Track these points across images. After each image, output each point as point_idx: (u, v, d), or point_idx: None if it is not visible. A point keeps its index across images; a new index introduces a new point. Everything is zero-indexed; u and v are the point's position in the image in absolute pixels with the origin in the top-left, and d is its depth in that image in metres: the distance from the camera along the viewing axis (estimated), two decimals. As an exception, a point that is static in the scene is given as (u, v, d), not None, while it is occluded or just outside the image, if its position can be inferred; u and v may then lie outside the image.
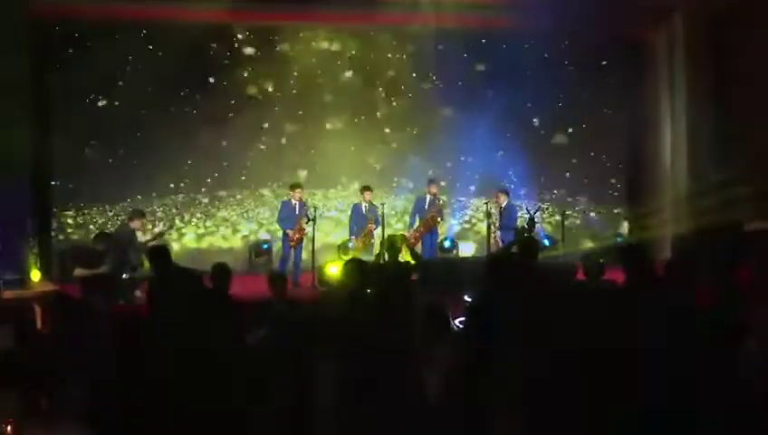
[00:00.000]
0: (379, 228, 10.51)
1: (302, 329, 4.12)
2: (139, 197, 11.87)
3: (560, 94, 12.50)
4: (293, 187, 10.43)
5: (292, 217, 10.22)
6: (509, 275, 4.65)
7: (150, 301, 5.72)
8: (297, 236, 10.12)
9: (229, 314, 5.16)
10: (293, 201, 10.28)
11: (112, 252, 8.59)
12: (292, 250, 10.17)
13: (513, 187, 11.39)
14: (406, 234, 10.46)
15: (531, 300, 4.44)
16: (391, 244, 7.47)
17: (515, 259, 6.28)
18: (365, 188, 10.58)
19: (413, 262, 7.76)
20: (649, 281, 4.83)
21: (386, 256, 7.54)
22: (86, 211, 11.82)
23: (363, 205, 10.48)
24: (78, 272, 8.24)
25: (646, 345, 3.10)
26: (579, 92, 12.53)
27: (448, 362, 4.08)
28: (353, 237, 10.48)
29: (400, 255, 7.65)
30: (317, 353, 3.79)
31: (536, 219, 6.75)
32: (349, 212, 10.94)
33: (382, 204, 10.59)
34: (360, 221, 10.42)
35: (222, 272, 5.82)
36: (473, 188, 12.81)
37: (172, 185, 12.14)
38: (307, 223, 10.22)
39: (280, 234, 10.66)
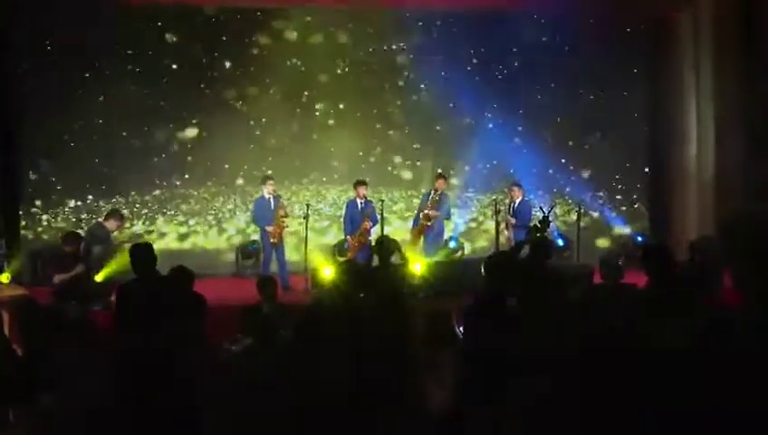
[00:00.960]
0: (377, 227, 10.53)
1: (293, 335, 4.11)
2: (118, 196, 11.89)
3: (577, 81, 12.53)
4: (265, 180, 10.36)
5: (267, 214, 10.18)
6: (517, 276, 4.65)
7: (117, 307, 5.66)
8: (278, 231, 10.08)
9: (189, 321, 5.10)
10: (267, 195, 10.23)
11: (86, 254, 8.57)
12: (274, 250, 10.10)
13: (523, 181, 11.35)
14: (407, 236, 10.45)
15: (541, 305, 4.43)
16: (381, 245, 7.51)
17: (526, 260, 6.28)
18: (359, 183, 10.51)
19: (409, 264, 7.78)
20: (674, 283, 4.83)
21: (377, 259, 7.57)
22: (58, 209, 11.82)
23: (358, 201, 10.43)
24: (57, 278, 8.22)
25: (673, 354, 3.11)
26: (598, 81, 12.57)
27: (454, 373, 4.10)
28: (348, 237, 10.46)
29: (393, 256, 7.66)
30: (309, 363, 3.79)
31: (551, 218, 6.72)
32: (343, 209, 10.93)
33: (381, 201, 10.56)
34: (356, 219, 10.36)
35: (181, 275, 5.80)
36: (479, 182, 12.82)
37: (157, 181, 12.18)
38: (285, 216, 10.23)
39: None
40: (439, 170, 11.64)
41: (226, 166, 12.28)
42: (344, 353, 3.79)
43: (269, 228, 10.08)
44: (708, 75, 11.62)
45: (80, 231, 9.68)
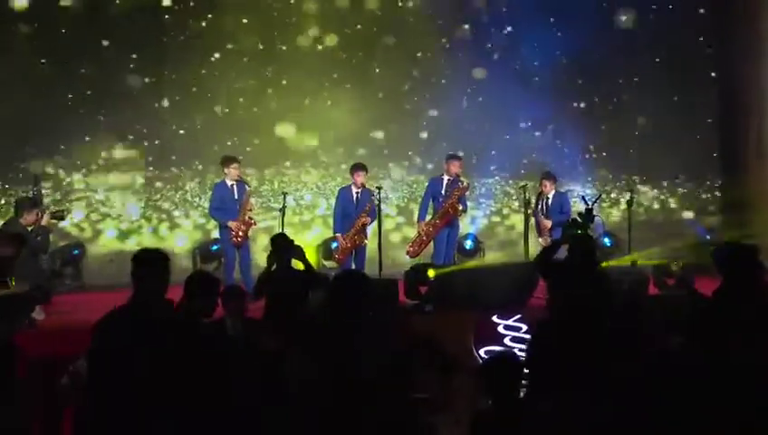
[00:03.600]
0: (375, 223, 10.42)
1: (258, 362, 4.10)
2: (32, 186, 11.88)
3: (623, 51, 12.68)
4: (227, 161, 10.23)
5: (230, 204, 10.13)
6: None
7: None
8: (242, 228, 10.06)
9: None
10: (229, 181, 10.18)
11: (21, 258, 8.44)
12: (237, 251, 10.08)
13: (557, 168, 11.39)
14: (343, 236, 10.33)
15: (584, 320, 4.44)
16: (276, 244, 7.44)
17: (564, 263, 6.26)
18: (357, 168, 10.44)
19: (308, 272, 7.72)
20: (758, 293, 4.83)
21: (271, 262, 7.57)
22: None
23: (354, 190, 10.38)
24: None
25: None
26: (653, 49, 12.72)
27: (466, 404, 4.03)
28: (339, 235, 10.39)
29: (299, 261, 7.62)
30: (280, 397, 3.78)
31: (595, 211, 6.69)
32: (334, 199, 10.80)
33: (378, 188, 10.42)
34: (350, 212, 10.30)
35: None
36: (504, 170, 12.92)
37: (91, 164, 12.23)
38: (251, 210, 10.20)
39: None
40: (461, 154, 11.60)
41: (180, 145, 12.35)
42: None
43: (231, 224, 10.00)
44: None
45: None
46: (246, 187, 10.21)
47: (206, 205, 11.37)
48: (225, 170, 10.16)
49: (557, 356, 4.51)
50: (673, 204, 13.37)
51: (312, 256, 11.05)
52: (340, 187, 10.75)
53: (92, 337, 4.57)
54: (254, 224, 10.23)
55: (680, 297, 5.92)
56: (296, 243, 7.85)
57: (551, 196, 10.66)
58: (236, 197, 10.10)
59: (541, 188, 10.74)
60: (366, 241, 10.23)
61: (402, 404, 3.98)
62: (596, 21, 12.49)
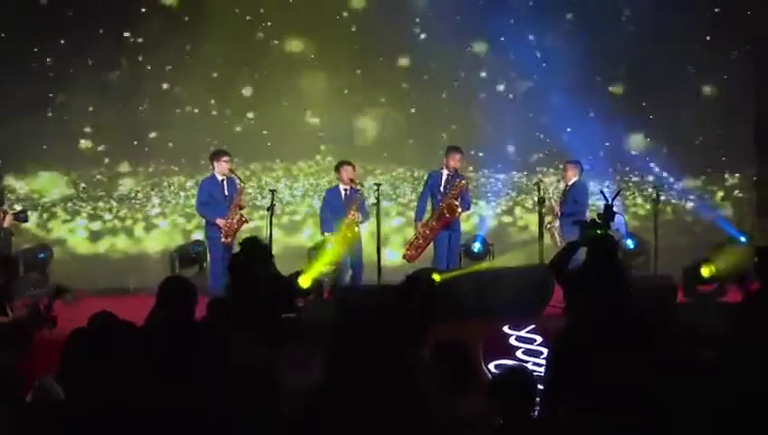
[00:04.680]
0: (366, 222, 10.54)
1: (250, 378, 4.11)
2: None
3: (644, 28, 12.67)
4: (217, 155, 10.32)
5: (220, 200, 10.18)
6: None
7: None
8: (233, 227, 10.08)
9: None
10: (219, 176, 10.24)
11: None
12: (226, 252, 10.03)
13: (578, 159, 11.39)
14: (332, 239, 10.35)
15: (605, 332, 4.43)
16: (250, 247, 7.35)
17: (583, 267, 6.26)
18: (343, 164, 10.54)
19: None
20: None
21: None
22: None
23: (342, 188, 10.42)
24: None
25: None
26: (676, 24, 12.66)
27: (480, 418, 4.05)
28: (326, 233, 10.43)
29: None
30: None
31: (615, 207, 6.64)
32: (321, 198, 10.87)
33: (377, 184, 10.53)
34: (339, 212, 10.36)
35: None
36: (516, 160, 12.92)
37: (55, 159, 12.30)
38: (241, 208, 10.22)
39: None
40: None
41: (153, 135, 12.44)
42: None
43: (221, 222, 10.03)
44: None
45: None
46: (238, 182, 10.24)
47: (184, 202, 11.43)
48: (215, 164, 10.22)
49: (577, 372, 4.50)
50: (705, 202, 13.36)
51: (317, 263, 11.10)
52: (328, 187, 10.85)
53: (65, 360, 4.62)
54: (247, 222, 10.24)
55: (713, 306, 5.90)
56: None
57: (570, 184, 10.73)
58: (227, 193, 10.17)
59: (563, 175, 10.85)
60: (357, 229, 10.31)
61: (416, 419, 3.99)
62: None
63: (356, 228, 10.31)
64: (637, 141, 13.09)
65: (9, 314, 7.61)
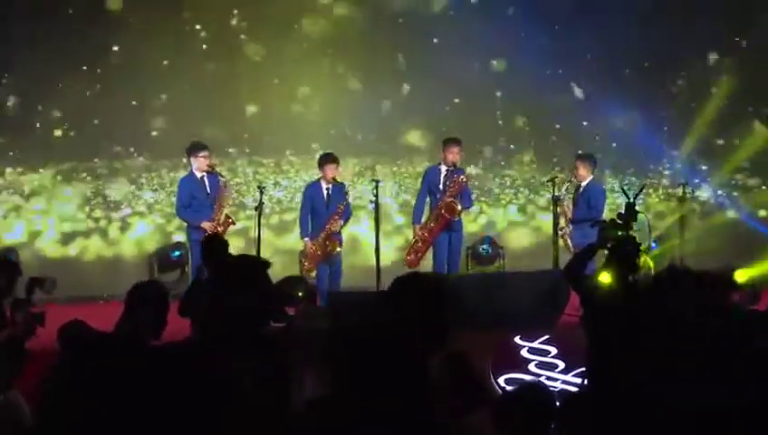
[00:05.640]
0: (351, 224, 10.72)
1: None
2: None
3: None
4: (194, 149, 10.20)
5: (202, 201, 10.15)
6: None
7: None
8: (221, 229, 10.01)
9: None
10: (198, 173, 10.20)
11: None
12: None
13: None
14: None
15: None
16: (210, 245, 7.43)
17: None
18: (327, 159, 10.49)
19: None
20: None
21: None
22: None
23: (324, 186, 10.45)
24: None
25: None
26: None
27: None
28: (307, 239, 10.41)
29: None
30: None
31: (638, 205, 6.61)
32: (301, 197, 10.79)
33: (375, 181, 10.55)
34: (321, 212, 10.38)
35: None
36: (527, 156, 12.98)
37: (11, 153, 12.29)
38: (229, 205, 10.24)
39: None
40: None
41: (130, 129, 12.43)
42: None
43: (206, 225, 10.03)
44: None
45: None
46: (220, 178, 10.22)
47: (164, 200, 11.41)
48: (192, 160, 10.15)
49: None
50: (736, 201, 13.39)
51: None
52: (309, 184, 10.79)
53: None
54: (234, 223, 10.23)
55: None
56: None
57: (584, 184, 10.52)
58: (209, 191, 10.13)
59: (574, 172, 10.67)
60: (339, 249, 10.27)
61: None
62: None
63: (338, 246, 10.29)
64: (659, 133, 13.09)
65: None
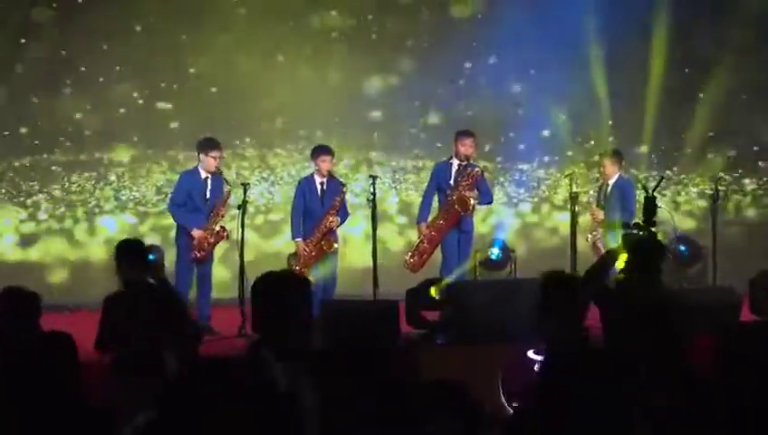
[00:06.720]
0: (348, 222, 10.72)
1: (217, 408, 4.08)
2: None
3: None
4: (206, 146, 10.23)
5: (200, 203, 10.19)
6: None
7: None
8: (212, 241, 10.09)
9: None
10: (203, 173, 10.24)
11: None
12: (196, 268, 10.14)
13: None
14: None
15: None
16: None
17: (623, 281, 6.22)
18: (321, 151, 10.52)
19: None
20: None
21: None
22: None
23: (318, 180, 10.47)
24: None
25: None
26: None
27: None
28: (300, 240, 10.41)
29: None
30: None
31: (658, 200, 6.61)
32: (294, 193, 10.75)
33: (373, 177, 10.47)
34: (315, 211, 10.40)
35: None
36: (544, 153, 13.08)
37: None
38: (223, 216, 10.18)
39: (173, 233, 10.59)
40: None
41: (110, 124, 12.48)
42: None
43: (196, 233, 10.06)
44: None
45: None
46: (226, 185, 10.21)
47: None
48: (202, 157, 10.14)
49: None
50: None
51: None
52: (301, 178, 10.79)
53: None
54: (227, 237, 10.22)
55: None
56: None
57: (611, 182, 10.56)
58: (209, 195, 10.14)
59: (599, 170, 10.74)
60: (336, 245, 10.30)
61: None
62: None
63: (334, 243, 10.32)
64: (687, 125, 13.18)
65: None
